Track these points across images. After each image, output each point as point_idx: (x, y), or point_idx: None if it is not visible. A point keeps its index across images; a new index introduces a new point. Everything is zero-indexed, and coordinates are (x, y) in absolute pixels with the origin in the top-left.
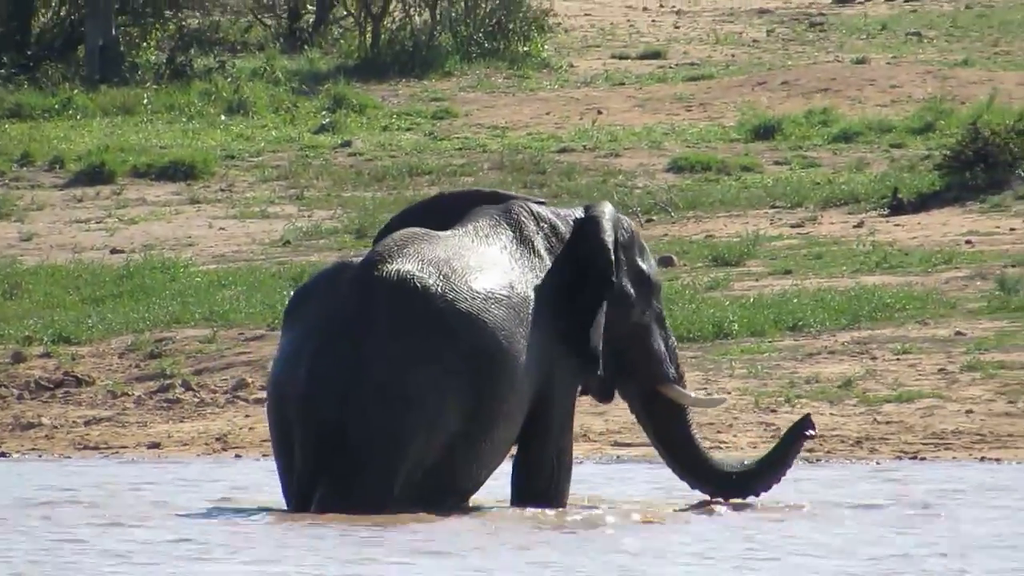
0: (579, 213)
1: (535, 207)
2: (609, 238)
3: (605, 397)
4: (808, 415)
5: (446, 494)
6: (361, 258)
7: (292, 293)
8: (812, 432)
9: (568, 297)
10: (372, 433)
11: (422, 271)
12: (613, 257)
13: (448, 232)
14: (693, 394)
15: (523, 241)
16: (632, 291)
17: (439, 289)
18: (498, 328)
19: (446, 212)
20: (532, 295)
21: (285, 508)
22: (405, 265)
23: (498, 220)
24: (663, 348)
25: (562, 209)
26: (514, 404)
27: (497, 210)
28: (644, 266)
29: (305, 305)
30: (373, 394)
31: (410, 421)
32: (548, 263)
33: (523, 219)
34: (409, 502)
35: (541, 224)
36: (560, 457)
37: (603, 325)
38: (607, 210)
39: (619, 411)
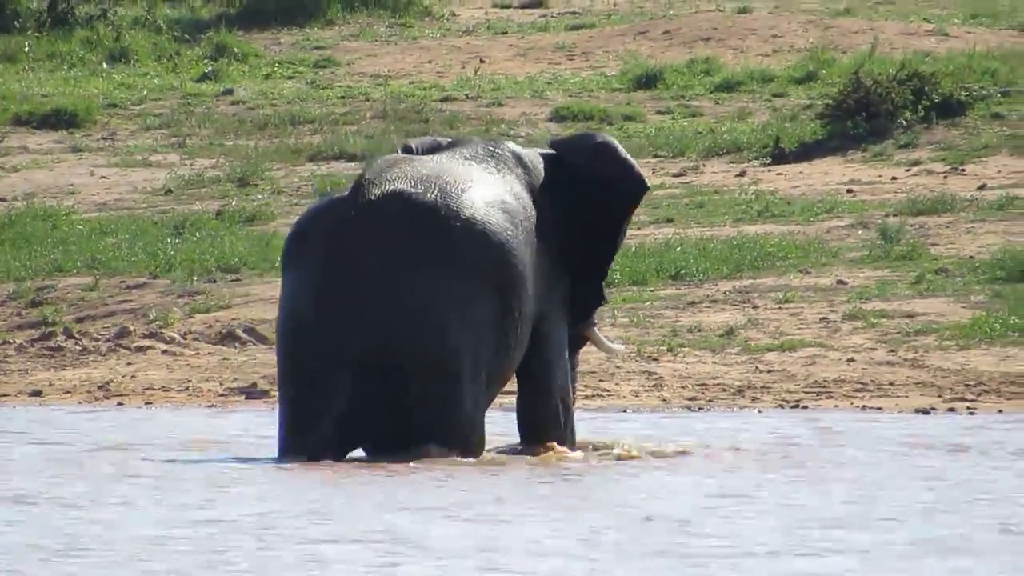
0: (542, 149)
1: (510, 144)
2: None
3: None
4: None
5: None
6: (348, 189)
7: (287, 238)
8: None
9: (585, 223)
10: (429, 357)
11: (415, 187)
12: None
13: (427, 156)
14: (605, 340)
15: (501, 169)
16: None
17: (439, 201)
18: (504, 230)
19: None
20: (522, 210)
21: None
22: (398, 185)
23: (475, 150)
24: None
25: (526, 149)
26: (527, 311)
27: (475, 143)
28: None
29: (304, 243)
30: (417, 322)
31: (461, 343)
32: (525, 193)
33: (502, 152)
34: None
35: (520, 159)
36: (564, 387)
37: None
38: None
39: None
